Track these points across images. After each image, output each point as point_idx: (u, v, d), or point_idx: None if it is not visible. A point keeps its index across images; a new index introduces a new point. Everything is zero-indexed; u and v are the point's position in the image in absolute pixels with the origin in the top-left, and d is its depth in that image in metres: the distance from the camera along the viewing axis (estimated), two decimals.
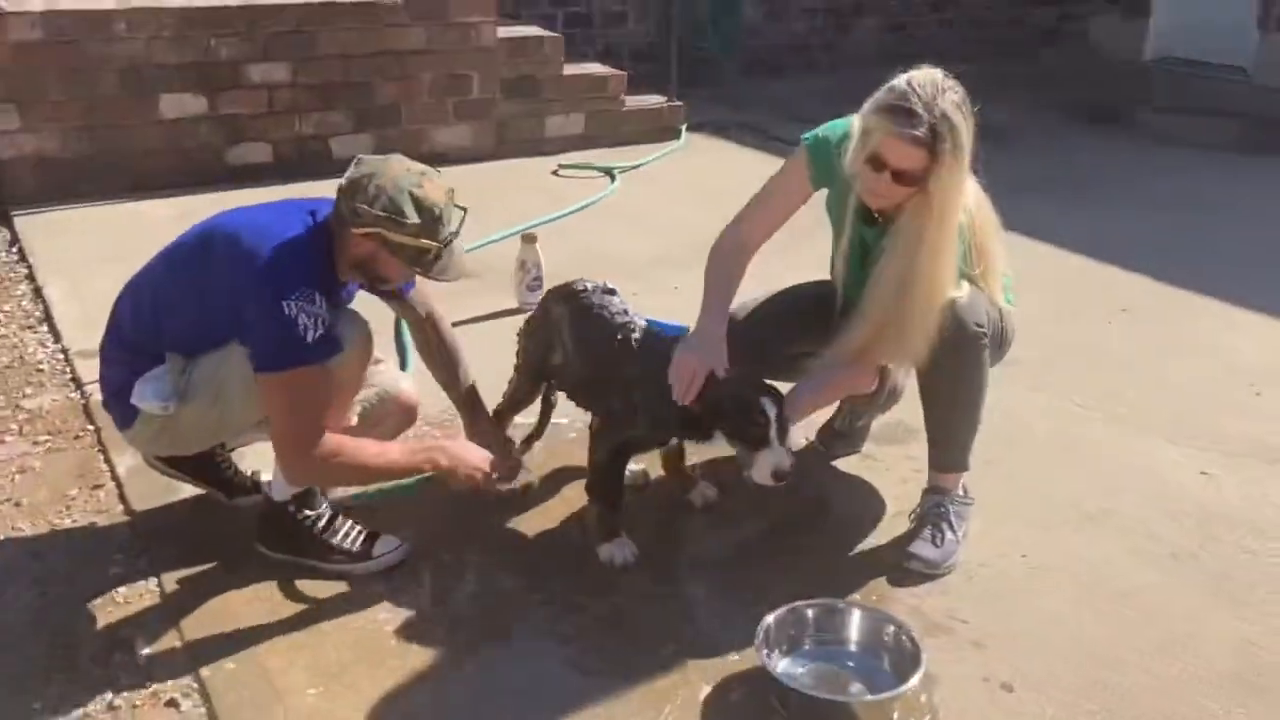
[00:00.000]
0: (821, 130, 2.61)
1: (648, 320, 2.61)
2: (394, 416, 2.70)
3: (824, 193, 2.67)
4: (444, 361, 2.76)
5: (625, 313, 2.61)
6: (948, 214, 2.36)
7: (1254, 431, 3.27)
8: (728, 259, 2.65)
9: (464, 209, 2.43)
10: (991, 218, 2.54)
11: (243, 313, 2.31)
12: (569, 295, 2.68)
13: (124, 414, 2.50)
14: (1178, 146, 6.68)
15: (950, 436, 2.63)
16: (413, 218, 2.29)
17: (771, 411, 2.35)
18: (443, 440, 2.61)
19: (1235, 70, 8.58)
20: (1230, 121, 7.30)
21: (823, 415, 3.08)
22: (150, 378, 2.42)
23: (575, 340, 2.64)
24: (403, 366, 3.43)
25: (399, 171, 2.32)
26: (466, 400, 2.77)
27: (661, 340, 2.53)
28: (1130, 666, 2.30)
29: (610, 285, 2.69)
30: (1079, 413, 3.37)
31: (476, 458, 2.51)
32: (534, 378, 2.83)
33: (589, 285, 2.67)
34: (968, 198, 2.44)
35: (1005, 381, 3.49)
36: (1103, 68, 9.04)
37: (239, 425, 2.51)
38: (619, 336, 2.55)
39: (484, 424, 2.77)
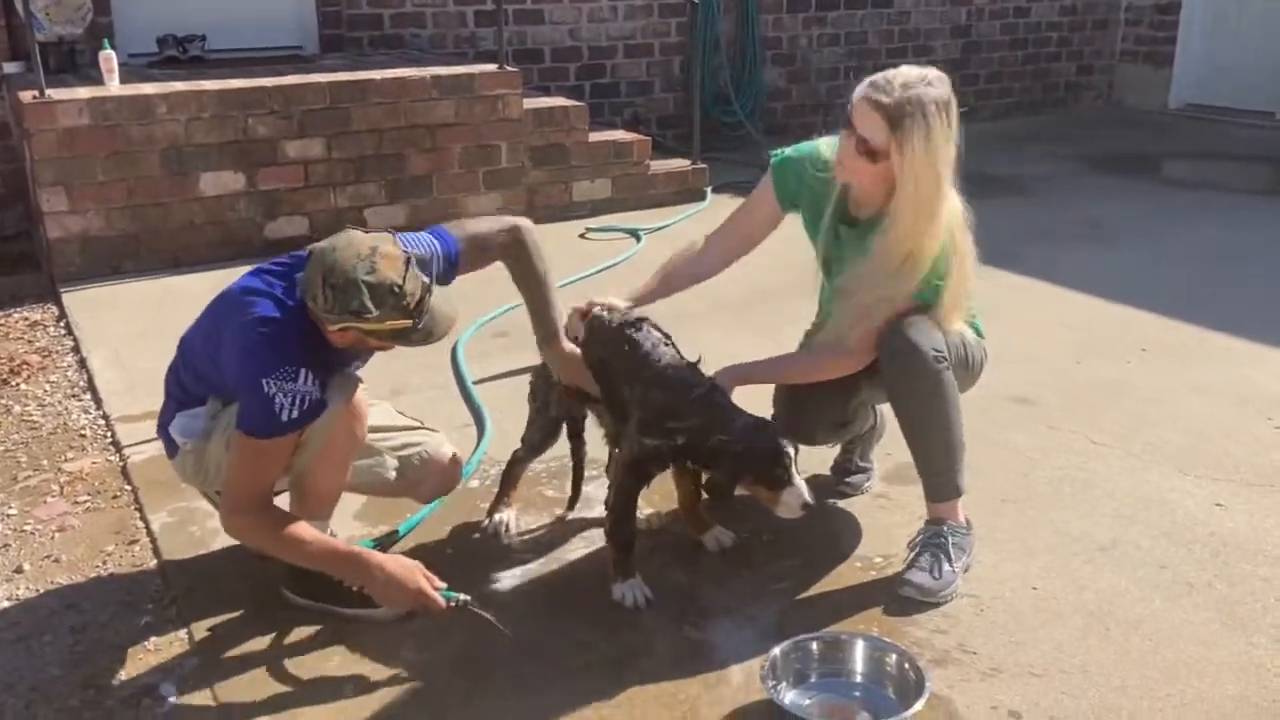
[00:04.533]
0: (789, 150, 2.75)
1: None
2: (433, 479, 2.80)
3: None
4: (529, 297, 2.79)
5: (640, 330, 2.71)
6: (919, 195, 2.44)
7: (1269, 463, 3.27)
8: (680, 255, 2.89)
9: (424, 259, 2.43)
10: (971, 247, 2.60)
11: (235, 382, 2.42)
12: (588, 320, 2.79)
13: (169, 444, 2.66)
14: (1202, 192, 6.70)
15: (932, 463, 2.67)
16: (375, 310, 2.28)
17: (790, 451, 2.48)
18: (385, 561, 2.46)
19: (1262, 115, 8.62)
20: (1257, 165, 7.31)
21: (829, 454, 3.15)
22: (189, 414, 2.57)
23: (596, 361, 2.73)
24: (480, 431, 3.53)
25: (349, 261, 2.28)
26: (545, 326, 2.77)
27: (665, 364, 2.63)
28: (1138, 692, 2.31)
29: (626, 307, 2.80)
30: (1094, 449, 3.38)
31: (408, 593, 2.42)
32: (558, 408, 2.91)
33: (601, 305, 2.79)
34: (951, 217, 2.52)
35: (1022, 420, 3.57)
36: (1127, 118, 9.12)
37: None
38: (626, 348, 2.66)
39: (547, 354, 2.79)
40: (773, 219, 2.81)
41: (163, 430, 2.67)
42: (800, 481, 2.49)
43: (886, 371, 2.60)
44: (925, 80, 2.43)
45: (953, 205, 2.55)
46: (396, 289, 2.30)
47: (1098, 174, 7.21)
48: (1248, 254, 5.42)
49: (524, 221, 2.78)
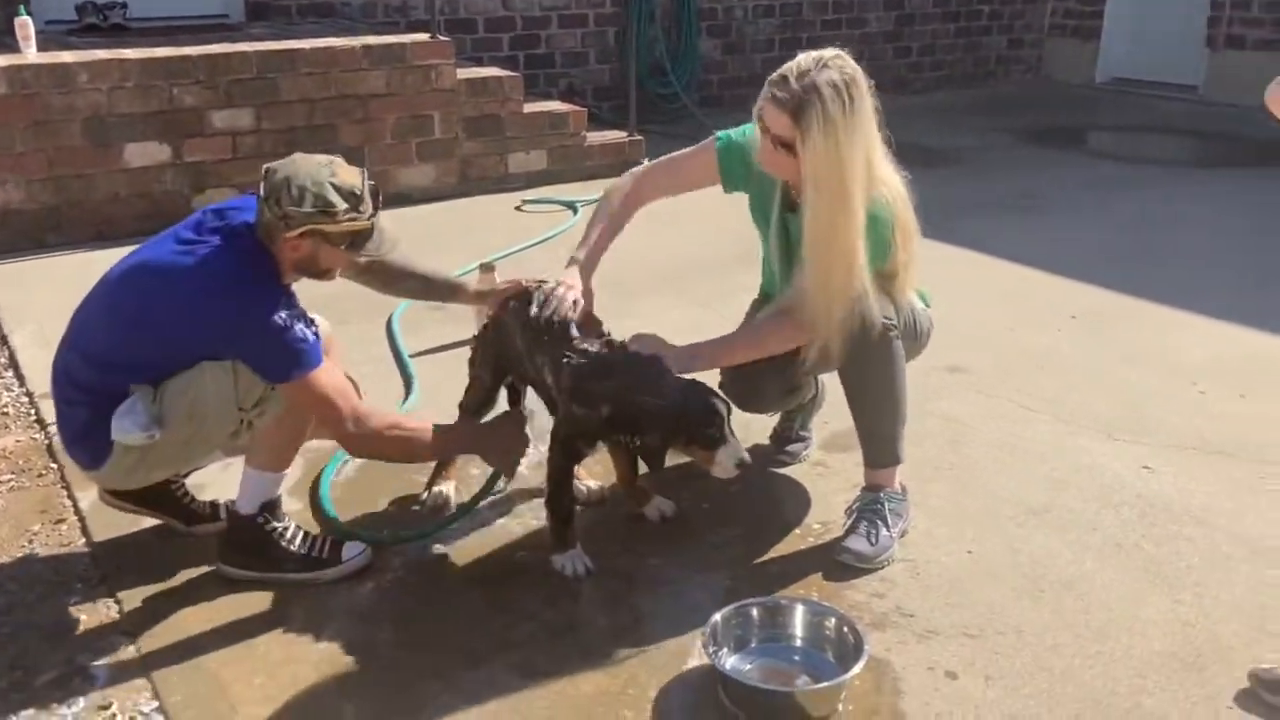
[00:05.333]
0: (735, 133, 2.73)
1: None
2: None
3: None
4: (412, 282, 2.86)
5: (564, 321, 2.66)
6: (821, 184, 2.42)
7: (1195, 427, 3.36)
8: (616, 204, 2.81)
9: (374, 183, 2.50)
10: (913, 220, 2.61)
11: (234, 344, 2.41)
12: (523, 294, 2.76)
13: (95, 453, 2.52)
14: (1129, 164, 6.83)
15: (875, 431, 2.70)
16: (341, 205, 2.38)
17: (723, 410, 2.46)
18: (484, 430, 2.79)
19: (1186, 89, 8.79)
20: (1181, 138, 7.47)
21: (769, 424, 3.17)
22: (124, 412, 2.45)
23: (524, 340, 2.72)
24: (407, 392, 3.64)
25: (311, 167, 2.41)
26: (452, 285, 2.92)
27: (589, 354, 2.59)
28: (1070, 650, 2.36)
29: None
30: (1025, 415, 3.44)
31: (519, 446, 2.68)
32: (494, 375, 2.91)
33: (541, 285, 2.75)
34: (890, 193, 2.53)
35: (955, 388, 3.62)
36: (1056, 91, 9.25)
37: (215, 440, 2.57)
38: (552, 340, 2.63)
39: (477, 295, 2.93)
40: (706, 183, 2.81)
41: (77, 444, 2.54)
42: (735, 439, 2.48)
43: None
44: (821, 64, 2.41)
45: (890, 180, 2.55)
46: (358, 192, 2.42)
47: (1028, 146, 7.31)
48: (1173, 224, 5.53)
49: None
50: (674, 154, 2.88)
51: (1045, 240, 5.22)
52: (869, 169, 2.47)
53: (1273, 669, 2.21)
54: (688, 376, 2.53)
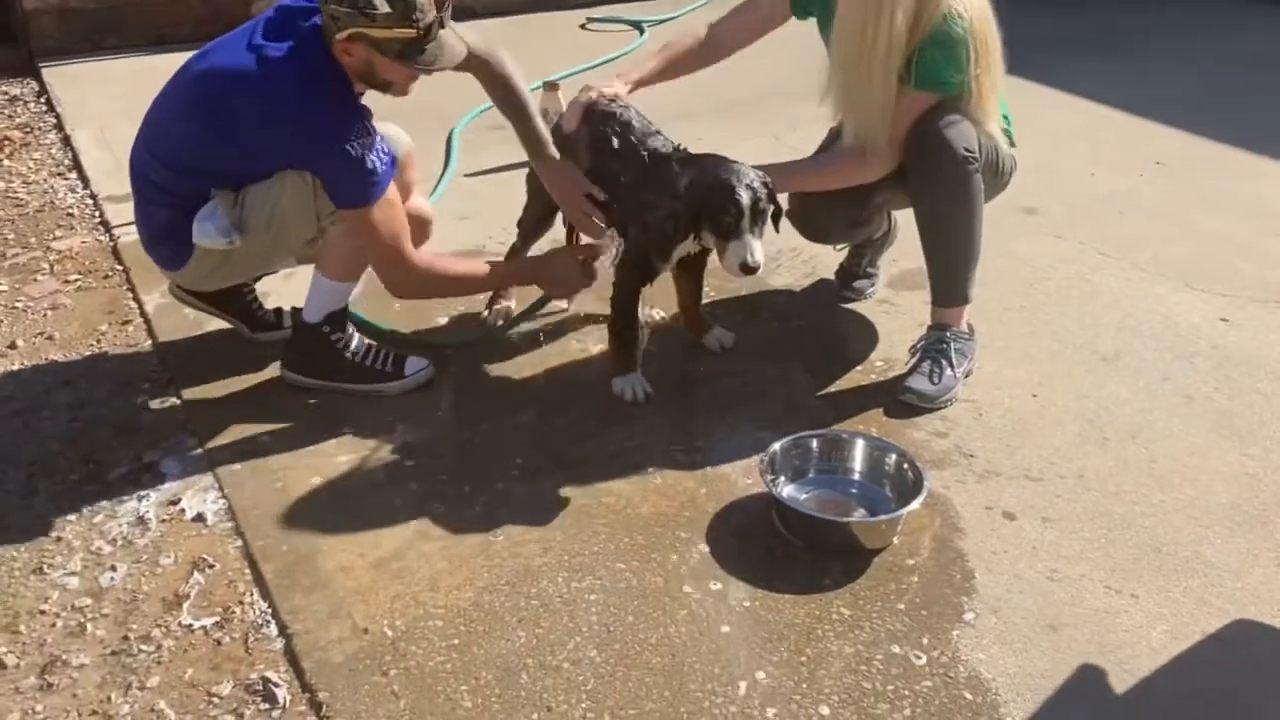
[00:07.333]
0: None
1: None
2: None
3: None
4: (507, 109, 2.69)
5: (637, 126, 2.63)
6: None
7: (1277, 279, 3.24)
8: (683, 41, 2.73)
9: None
10: (994, 41, 2.49)
11: (299, 152, 2.37)
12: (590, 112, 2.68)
13: (175, 255, 2.54)
14: (1219, 1, 6.44)
15: (946, 267, 2.64)
16: (384, 7, 2.25)
17: (745, 200, 2.34)
18: (539, 262, 2.75)
19: None
20: None
21: (836, 259, 3.11)
22: (205, 215, 2.45)
23: (591, 151, 2.65)
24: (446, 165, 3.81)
25: None
26: (527, 136, 2.69)
27: (665, 152, 2.57)
28: (1131, 497, 2.34)
29: (625, 102, 2.70)
30: (1101, 260, 3.34)
31: (575, 280, 2.65)
32: (548, 204, 2.84)
33: (608, 98, 2.68)
34: (961, 3, 2.42)
35: (1030, 230, 3.52)
36: None
37: (291, 247, 2.58)
38: (631, 147, 2.59)
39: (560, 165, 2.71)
40: (780, 19, 2.73)
41: (158, 245, 2.55)
42: (753, 241, 2.33)
43: (915, 167, 2.53)
44: None
45: None
46: None
47: None
48: (1263, 67, 5.25)
49: (505, 54, 2.67)
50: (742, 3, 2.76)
51: (1129, 80, 4.98)
52: None
53: None
54: (748, 164, 2.46)
